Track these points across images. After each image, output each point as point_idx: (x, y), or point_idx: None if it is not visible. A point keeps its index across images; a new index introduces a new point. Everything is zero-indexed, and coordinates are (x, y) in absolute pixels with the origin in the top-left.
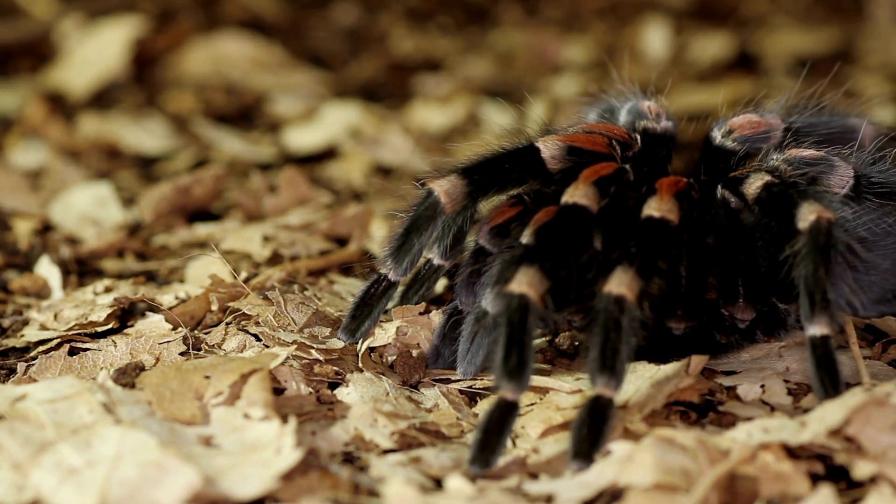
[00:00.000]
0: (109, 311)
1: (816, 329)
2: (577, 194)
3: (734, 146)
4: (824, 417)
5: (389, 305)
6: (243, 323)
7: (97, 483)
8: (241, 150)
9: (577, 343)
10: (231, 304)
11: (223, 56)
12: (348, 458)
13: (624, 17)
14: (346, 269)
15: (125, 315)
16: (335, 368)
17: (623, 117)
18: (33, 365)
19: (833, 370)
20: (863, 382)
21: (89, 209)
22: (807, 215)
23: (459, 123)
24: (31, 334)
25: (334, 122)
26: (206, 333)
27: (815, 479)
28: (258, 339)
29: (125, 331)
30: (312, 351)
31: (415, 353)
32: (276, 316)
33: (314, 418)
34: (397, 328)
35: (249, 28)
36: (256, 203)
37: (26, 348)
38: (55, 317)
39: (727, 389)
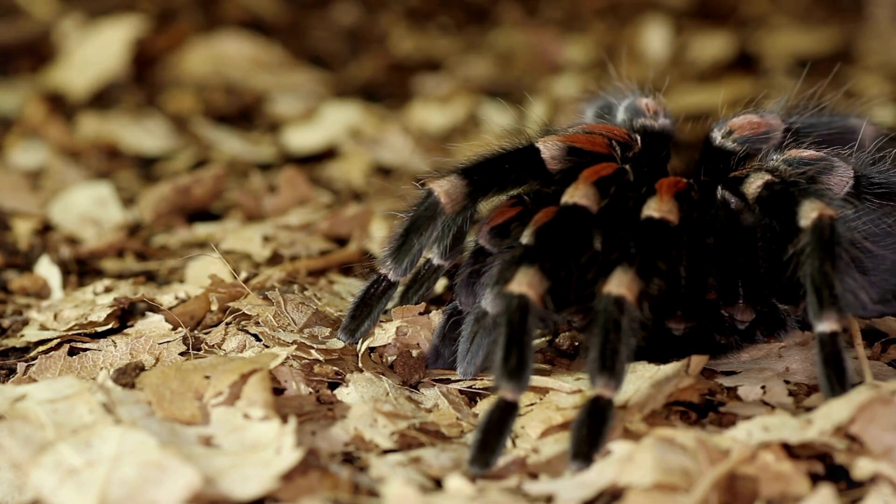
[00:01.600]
0: (109, 311)
1: (825, 325)
2: (577, 195)
3: (734, 147)
4: (830, 414)
5: (389, 305)
6: (243, 323)
7: (97, 483)
8: (241, 150)
9: (577, 343)
10: (231, 304)
11: (223, 56)
12: (348, 458)
13: (624, 17)
14: (346, 269)
15: (125, 315)
16: (335, 368)
17: (620, 114)
18: (33, 365)
19: (841, 368)
20: (865, 381)
21: (89, 209)
22: (809, 213)
23: (459, 123)
24: (31, 334)
25: (334, 122)
26: (206, 333)
27: (815, 479)
28: (258, 339)
29: (125, 331)
30: (312, 351)
31: (415, 353)
32: (276, 316)
33: (314, 418)
34: (397, 328)
35: (249, 28)
36: (256, 203)
37: (26, 348)
38: (55, 317)
39: (727, 390)
